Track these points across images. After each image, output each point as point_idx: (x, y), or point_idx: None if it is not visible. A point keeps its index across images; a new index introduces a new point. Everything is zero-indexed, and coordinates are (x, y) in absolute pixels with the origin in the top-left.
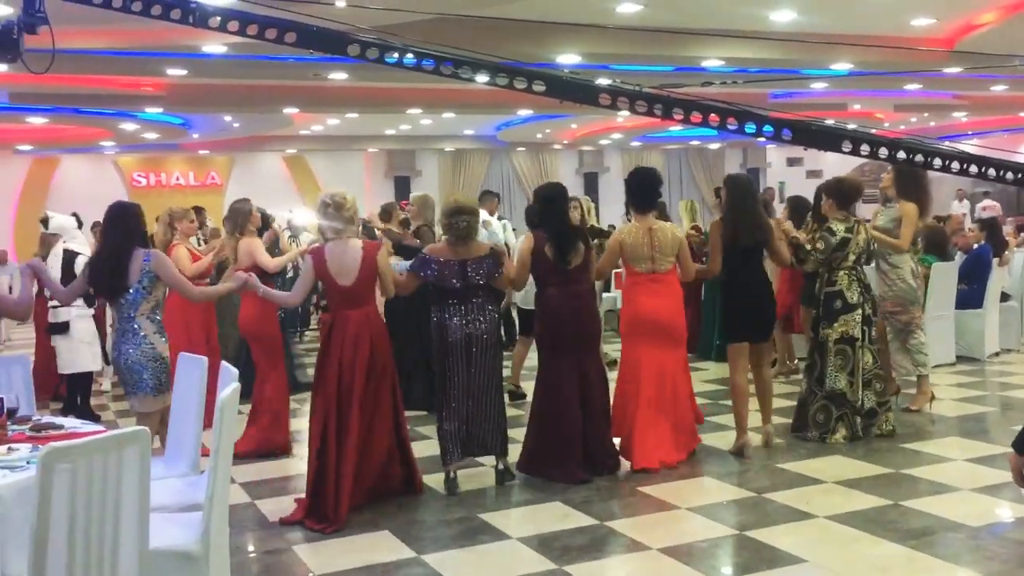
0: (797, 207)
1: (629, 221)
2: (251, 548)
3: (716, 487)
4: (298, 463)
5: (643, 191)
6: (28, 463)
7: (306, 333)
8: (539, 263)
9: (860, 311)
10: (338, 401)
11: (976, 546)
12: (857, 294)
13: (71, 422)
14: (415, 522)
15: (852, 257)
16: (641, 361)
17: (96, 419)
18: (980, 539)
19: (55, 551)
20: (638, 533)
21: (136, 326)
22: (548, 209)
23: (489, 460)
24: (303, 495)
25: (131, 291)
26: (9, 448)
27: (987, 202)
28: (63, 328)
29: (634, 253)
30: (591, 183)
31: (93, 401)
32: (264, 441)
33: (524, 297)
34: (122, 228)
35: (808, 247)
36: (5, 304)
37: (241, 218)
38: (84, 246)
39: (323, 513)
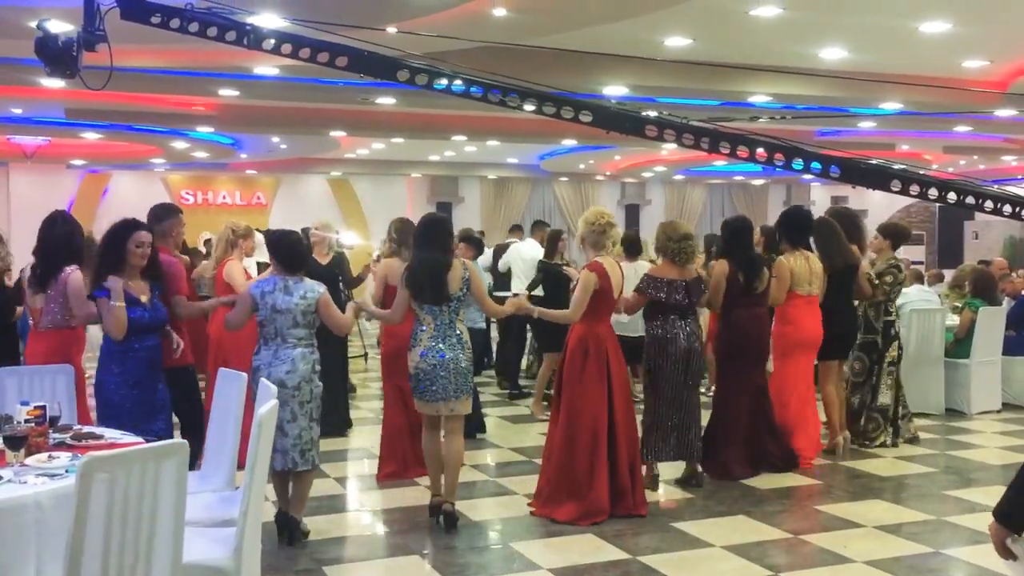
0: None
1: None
2: (282, 567)
3: (752, 526)
4: (329, 483)
5: (799, 228)
6: (67, 471)
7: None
8: (729, 287)
9: (899, 338)
10: (609, 406)
11: None
12: (899, 324)
13: (112, 432)
14: (447, 548)
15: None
16: (800, 371)
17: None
18: None
19: (90, 560)
20: (671, 569)
21: (459, 332)
22: (737, 239)
23: (522, 487)
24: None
25: (454, 299)
26: (49, 456)
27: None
28: None
29: (800, 278)
30: (632, 215)
31: None
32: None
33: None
34: (440, 239)
35: (876, 281)
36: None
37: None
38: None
39: (596, 507)
